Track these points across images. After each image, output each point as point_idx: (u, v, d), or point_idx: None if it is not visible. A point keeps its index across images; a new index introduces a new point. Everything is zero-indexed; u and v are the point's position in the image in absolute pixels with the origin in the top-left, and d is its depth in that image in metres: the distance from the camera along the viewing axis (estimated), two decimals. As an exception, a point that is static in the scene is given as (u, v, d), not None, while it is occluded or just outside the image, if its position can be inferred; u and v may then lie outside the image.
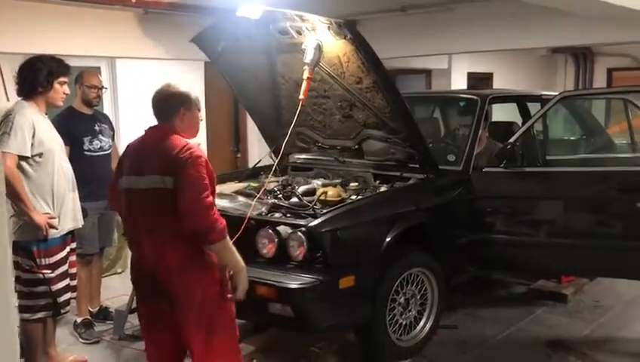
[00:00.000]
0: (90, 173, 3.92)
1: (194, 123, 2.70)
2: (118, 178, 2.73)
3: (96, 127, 4.12)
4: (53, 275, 3.30)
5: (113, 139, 4.31)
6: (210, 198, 2.46)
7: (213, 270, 2.55)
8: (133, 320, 4.16)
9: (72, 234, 3.49)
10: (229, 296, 2.58)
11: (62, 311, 3.43)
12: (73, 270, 3.52)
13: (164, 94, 2.65)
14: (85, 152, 4.02)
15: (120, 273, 5.41)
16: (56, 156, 3.32)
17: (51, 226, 3.21)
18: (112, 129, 4.33)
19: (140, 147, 2.67)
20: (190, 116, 2.66)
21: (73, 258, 3.53)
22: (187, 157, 2.46)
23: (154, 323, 2.68)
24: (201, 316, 2.53)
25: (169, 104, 2.63)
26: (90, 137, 4.06)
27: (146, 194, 2.54)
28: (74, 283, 3.53)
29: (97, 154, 4.10)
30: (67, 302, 3.45)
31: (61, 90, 3.39)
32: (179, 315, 2.55)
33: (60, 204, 3.33)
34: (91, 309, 4.24)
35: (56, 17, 4.76)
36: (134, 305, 4.05)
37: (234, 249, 2.56)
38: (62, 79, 3.38)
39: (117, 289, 4.83)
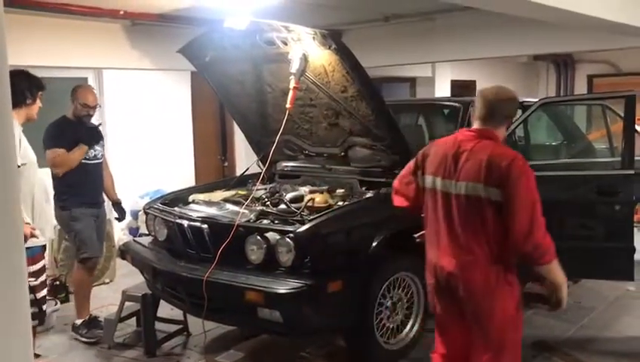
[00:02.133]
0: (85, 180, 4.09)
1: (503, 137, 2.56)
2: (410, 174, 2.64)
3: (90, 137, 4.19)
4: (37, 283, 3.32)
5: (103, 149, 4.38)
6: (543, 217, 2.32)
7: (515, 290, 2.44)
8: (123, 329, 4.19)
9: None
10: (548, 309, 2.50)
11: (45, 318, 3.48)
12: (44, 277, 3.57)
13: (504, 96, 2.47)
14: (82, 160, 4.09)
15: (108, 283, 5.41)
16: (35, 167, 3.37)
17: (32, 236, 3.24)
18: (102, 139, 4.39)
19: (451, 149, 2.49)
20: (507, 128, 2.53)
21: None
22: (520, 171, 2.32)
23: (446, 325, 2.63)
24: (495, 336, 2.43)
25: (506, 109, 2.47)
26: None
27: (460, 200, 2.43)
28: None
29: (92, 162, 4.21)
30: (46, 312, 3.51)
31: (39, 104, 3.47)
32: (473, 330, 2.49)
33: (39, 214, 3.36)
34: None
35: (44, 29, 4.78)
36: (123, 314, 4.08)
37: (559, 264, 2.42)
38: (41, 93, 3.47)
39: (105, 298, 4.84)
